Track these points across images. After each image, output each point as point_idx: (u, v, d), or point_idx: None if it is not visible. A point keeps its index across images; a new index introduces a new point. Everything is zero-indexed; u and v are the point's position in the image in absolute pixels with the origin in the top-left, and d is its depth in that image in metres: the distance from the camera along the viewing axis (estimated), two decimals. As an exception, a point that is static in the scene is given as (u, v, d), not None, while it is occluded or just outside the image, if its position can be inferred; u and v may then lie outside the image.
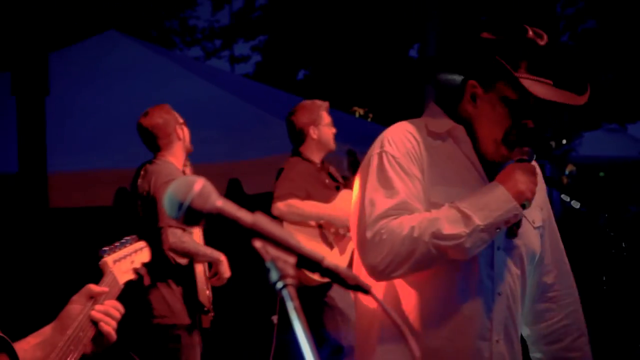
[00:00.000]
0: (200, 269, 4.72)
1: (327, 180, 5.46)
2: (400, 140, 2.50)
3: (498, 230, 2.40)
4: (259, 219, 1.32)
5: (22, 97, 5.85)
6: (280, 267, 1.29)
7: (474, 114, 2.51)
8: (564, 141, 18.10)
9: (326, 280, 1.37)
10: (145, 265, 2.42)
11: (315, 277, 1.37)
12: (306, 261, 1.33)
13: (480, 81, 2.48)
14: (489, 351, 2.49)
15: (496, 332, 2.51)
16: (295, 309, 1.25)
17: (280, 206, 5.17)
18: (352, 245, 5.32)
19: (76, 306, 2.17)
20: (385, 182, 2.44)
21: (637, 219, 11.80)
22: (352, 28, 19.88)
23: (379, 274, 2.39)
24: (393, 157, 2.47)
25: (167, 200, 1.32)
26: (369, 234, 2.39)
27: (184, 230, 4.56)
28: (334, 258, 5.13)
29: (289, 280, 1.27)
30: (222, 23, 23.95)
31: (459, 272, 2.46)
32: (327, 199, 5.31)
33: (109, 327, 2.18)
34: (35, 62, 5.79)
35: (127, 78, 8.21)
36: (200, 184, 1.31)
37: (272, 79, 19.36)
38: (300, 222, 5.24)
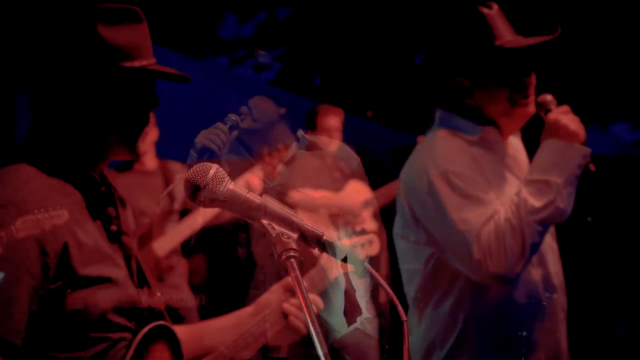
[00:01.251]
0: None
1: (336, 175, 5.48)
2: (455, 156, 2.34)
3: (577, 177, 2.26)
4: (266, 200, 1.36)
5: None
6: (285, 241, 1.32)
7: (476, 104, 2.37)
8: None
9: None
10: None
11: (315, 251, 1.40)
12: (307, 236, 1.37)
13: (463, 74, 2.35)
14: (564, 329, 2.45)
15: (562, 311, 2.45)
16: (297, 278, 1.29)
17: (294, 195, 5.21)
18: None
19: (272, 296, 1.93)
20: (465, 198, 2.26)
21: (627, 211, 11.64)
22: (362, 38, 19.89)
23: (508, 278, 2.24)
24: (459, 173, 2.30)
25: (185, 184, 1.35)
26: (477, 254, 2.21)
27: None
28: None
29: (292, 253, 1.31)
30: (246, 35, 23.97)
31: (534, 266, 2.34)
32: (336, 192, 5.34)
33: (300, 321, 1.89)
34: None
35: (162, 85, 8.25)
36: (214, 169, 1.35)
37: (291, 84, 19.39)
38: (313, 210, 5.27)
